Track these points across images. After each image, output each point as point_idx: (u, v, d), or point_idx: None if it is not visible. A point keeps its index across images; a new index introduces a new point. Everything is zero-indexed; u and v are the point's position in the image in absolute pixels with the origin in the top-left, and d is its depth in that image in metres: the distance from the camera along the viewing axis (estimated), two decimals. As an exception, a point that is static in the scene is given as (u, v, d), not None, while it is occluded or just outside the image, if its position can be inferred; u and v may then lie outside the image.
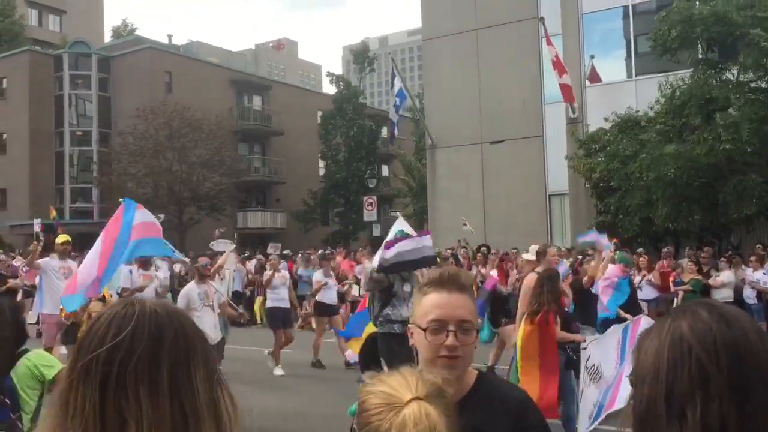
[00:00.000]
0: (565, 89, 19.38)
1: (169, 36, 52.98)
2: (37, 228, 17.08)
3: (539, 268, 7.21)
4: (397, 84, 22.48)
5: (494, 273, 11.51)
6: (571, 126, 20.65)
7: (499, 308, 10.21)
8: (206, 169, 32.97)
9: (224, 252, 11.17)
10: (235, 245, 12.74)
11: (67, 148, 36.96)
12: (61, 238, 10.42)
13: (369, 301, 7.55)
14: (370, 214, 27.85)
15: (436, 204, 24.26)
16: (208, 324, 7.82)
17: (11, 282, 14.14)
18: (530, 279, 6.96)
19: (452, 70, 23.49)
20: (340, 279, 16.98)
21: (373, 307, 7.36)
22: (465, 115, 22.83)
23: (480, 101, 22.67)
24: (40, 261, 9.83)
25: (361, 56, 42.05)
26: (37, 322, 10.31)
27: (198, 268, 8.75)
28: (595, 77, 21.25)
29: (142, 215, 7.01)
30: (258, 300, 17.42)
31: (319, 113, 41.20)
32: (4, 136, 36.66)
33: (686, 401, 1.15)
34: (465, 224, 18.31)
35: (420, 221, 33.36)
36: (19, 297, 13.79)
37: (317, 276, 12.69)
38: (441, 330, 1.83)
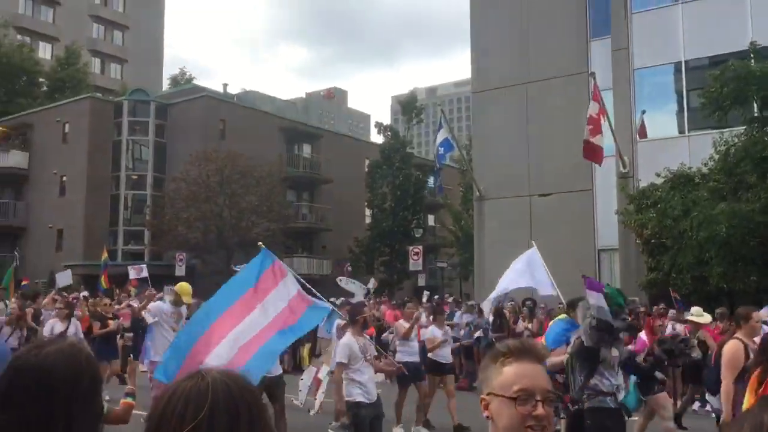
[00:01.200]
0: (591, 148, 18.74)
1: (224, 85, 54.64)
2: (133, 275, 16.61)
3: (739, 334, 6.43)
4: (442, 134, 22.57)
5: (643, 335, 10.01)
6: (621, 181, 20.44)
7: (649, 373, 8.77)
8: (255, 215, 33.51)
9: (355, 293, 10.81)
10: (370, 287, 12.14)
11: (123, 191, 38.13)
12: (182, 287, 9.78)
13: (566, 370, 6.30)
14: (415, 263, 27.85)
15: (482, 255, 24.12)
16: (370, 382, 7.08)
17: (112, 324, 13.51)
18: (733, 346, 6.17)
19: (501, 122, 23.62)
20: (385, 329, 16.90)
21: (572, 377, 6.15)
22: (513, 167, 22.84)
23: (529, 154, 22.68)
24: (151, 305, 9.50)
25: (409, 107, 42.60)
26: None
27: (360, 317, 7.55)
28: (643, 133, 21.09)
29: (288, 285, 5.74)
30: (306, 347, 17.39)
31: (367, 162, 41.71)
32: (64, 178, 37.98)
33: None
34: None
35: (466, 272, 33.21)
36: (119, 341, 13.66)
37: (431, 332, 11.09)
38: (529, 400, 1.83)
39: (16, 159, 39.82)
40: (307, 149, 42.84)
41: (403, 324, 11.04)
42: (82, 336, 10.99)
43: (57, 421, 1.32)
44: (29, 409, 1.31)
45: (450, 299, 23.11)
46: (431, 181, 43.44)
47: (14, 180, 40.30)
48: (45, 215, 37.93)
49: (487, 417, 1.91)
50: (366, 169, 41.33)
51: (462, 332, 16.57)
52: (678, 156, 18.71)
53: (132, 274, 15.17)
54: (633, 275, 18.86)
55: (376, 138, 46.20)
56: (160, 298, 10.36)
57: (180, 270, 30.26)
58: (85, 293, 20.84)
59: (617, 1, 21.54)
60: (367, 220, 41.20)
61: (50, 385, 1.34)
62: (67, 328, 10.62)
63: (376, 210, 39.67)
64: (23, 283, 17.85)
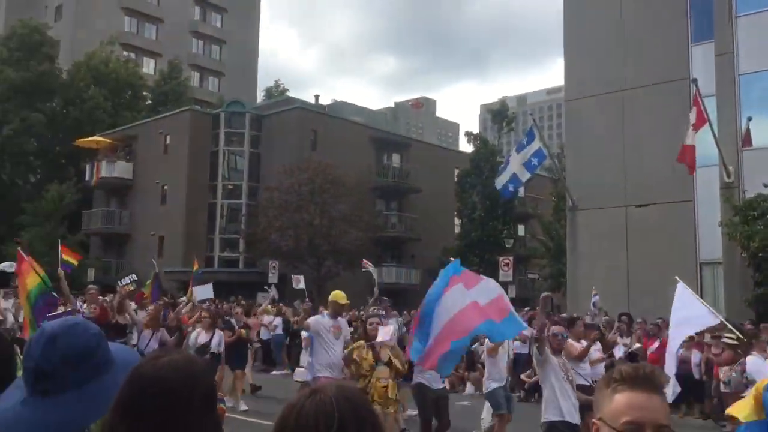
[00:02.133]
0: (686, 150, 17.91)
1: (316, 96, 55.80)
2: (301, 285, 16.41)
3: None
4: (536, 144, 22.11)
5: None
6: (725, 191, 19.48)
7: None
8: (345, 223, 33.97)
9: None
10: None
11: (219, 200, 39.52)
12: (338, 295, 9.26)
13: None
14: (506, 274, 27.43)
15: (575, 267, 23.52)
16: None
17: (241, 332, 13.48)
18: None
19: (596, 130, 23.00)
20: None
21: None
22: (609, 176, 22.17)
23: (625, 163, 21.97)
24: (310, 320, 9.05)
25: (499, 115, 42.19)
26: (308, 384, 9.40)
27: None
28: (749, 141, 20.04)
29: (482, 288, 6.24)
30: None
31: (456, 171, 41.54)
32: (165, 187, 39.74)
33: None
34: (595, 294, 17.51)
35: (557, 283, 32.45)
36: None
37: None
38: None
39: (121, 169, 42.00)
40: (396, 159, 43.11)
41: (573, 344, 8.72)
42: (222, 348, 11.18)
43: (215, 425, 1.37)
44: (146, 420, 1.35)
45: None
46: (522, 190, 42.82)
47: (120, 189, 42.55)
48: (148, 223, 39.80)
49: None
50: (455, 179, 41.17)
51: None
52: (788, 165, 17.68)
53: (199, 293, 14.96)
54: (738, 290, 17.92)
55: (466, 147, 46.03)
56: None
57: (273, 277, 31.01)
58: (184, 299, 21.63)
59: (720, 4, 20.60)
60: (456, 230, 41.00)
61: (165, 395, 1.38)
62: (212, 338, 10.69)
63: (465, 219, 39.43)
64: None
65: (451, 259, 6.58)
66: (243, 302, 21.00)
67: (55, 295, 10.08)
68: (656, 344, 14.28)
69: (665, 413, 1.76)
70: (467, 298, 6.07)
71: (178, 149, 39.48)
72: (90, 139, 40.77)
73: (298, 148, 36.60)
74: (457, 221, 41.26)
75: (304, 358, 11.24)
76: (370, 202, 37.68)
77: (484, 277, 6.50)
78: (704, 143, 19.31)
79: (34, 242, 35.91)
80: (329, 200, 33.67)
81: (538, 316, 6.68)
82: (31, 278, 8.92)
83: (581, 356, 8.57)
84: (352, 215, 34.19)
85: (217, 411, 1.51)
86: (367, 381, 7.27)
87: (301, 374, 11.39)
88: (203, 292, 13.89)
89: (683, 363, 13.10)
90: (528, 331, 7.95)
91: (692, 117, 18.00)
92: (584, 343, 8.93)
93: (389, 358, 7.50)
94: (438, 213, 40.77)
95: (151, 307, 11.91)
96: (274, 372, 17.91)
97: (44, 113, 44.07)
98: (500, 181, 21.90)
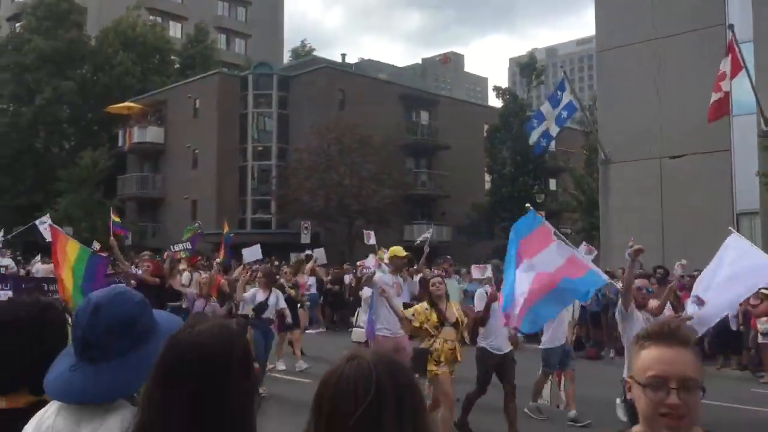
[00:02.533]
0: (717, 105, 17.28)
1: (343, 55, 55.33)
2: (372, 240, 14.14)
3: None
4: (566, 97, 21.71)
5: None
6: (763, 139, 19.00)
7: None
8: (375, 183, 33.98)
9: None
10: None
11: (250, 162, 39.75)
12: (397, 250, 9.25)
13: None
14: (537, 229, 27.28)
15: (608, 221, 23.30)
16: None
17: (291, 291, 13.52)
18: None
19: (629, 81, 22.50)
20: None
21: None
22: (642, 128, 21.76)
23: (659, 114, 21.51)
24: (375, 277, 9.02)
25: (528, 68, 41.44)
26: (366, 344, 9.42)
27: None
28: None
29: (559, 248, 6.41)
30: None
31: (485, 127, 41.11)
32: (197, 151, 40.08)
33: None
34: (631, 245, 17.29)
35: (589, 237, 32.20)
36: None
37: None
38: (662, 387, 1.75)
39: (153, 134, 42.41)
40: (424, 116, 42.77)
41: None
42: (284, 305, 11.02)
43: (209, 398, 1.39)
44: (183, 386, 1.39)
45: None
46: (553, 144, 42.20)
47: (153, 154, 43.05)
48: (180, 187, 40.28)
49: (630, 400, 1.87)
50: (484, 134, 40.76)
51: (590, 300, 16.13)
52: (829, 111, 17.16)
53: (247, 255, 14.56)
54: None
55: (495, 102, 45.42)
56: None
57: (305, 237, 31.31)
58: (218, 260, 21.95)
59: (759, -57, 19.83)
60: (487, 186, 40.76)
61: (202, 362, 1.41)
62: (268, 297, 10.57)
63: (495, 176, 39.15)
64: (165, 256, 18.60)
65: (528, 206, 6.72)
66: (286, 264, 21.38)
67: (104, 255, 10.22)
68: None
69: (693, 367, 1.78)
70: (557, 256, 6.23)
71: (207, 113, 39.66)
72: (121, 105, 41.11)
73: (326, 108, 36.50)
74: (487, 177, 40.97)
75: (363, 317, 11.04)
76: (400, 161, 37.56)
77: (555, 234, 6.55)
78: (741, 90, 18.80)
79: (70, 209, 36.67)
80: (358, 159, 33.65)
81: (627, 270, 6.57)
82: (71, 246, 8.77)
83: (658, 312, 8.33)
84: (382, 174, 34.17)
85: (253, 374, 1.54)
86: (433, 341, 7.15)
87: (358, 335, 11.18)
88: (251, 254, 13.78)
89: (719, 315, 12.99)
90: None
91: (724, 65, 17.43)
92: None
93: (456, 319, 7.33)
94: (468, 169, 40.52)
95: (205, 275, 11.70)
96: (309, 330, 18.20)
97: (74, 81, 44.45)
98: (533, 137, 21.63)
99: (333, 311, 21.54)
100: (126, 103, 41.57)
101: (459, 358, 7.33)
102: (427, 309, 7.30)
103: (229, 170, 38.95)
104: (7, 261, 19.60)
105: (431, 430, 1.39)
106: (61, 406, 1.78)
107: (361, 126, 33.20)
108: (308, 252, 20.15)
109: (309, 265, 17.12)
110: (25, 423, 1.81)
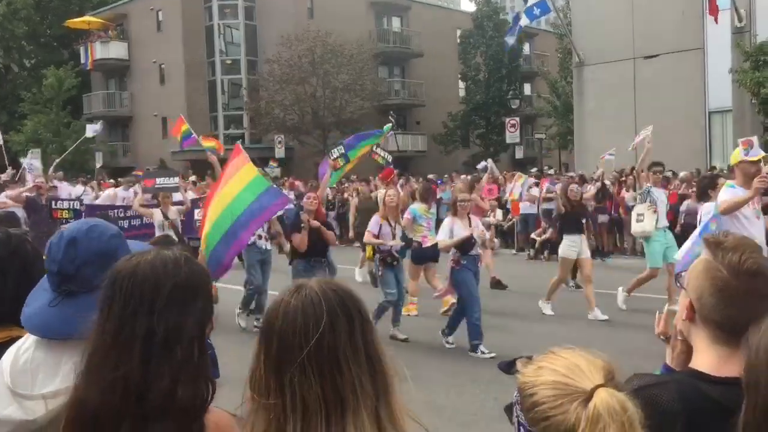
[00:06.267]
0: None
1: (309, -40, 53.15)
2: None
3: None
4: None
5: None
6: (736, 36, 18.91)
7: None
8: (349, 93, 33.49)
9: None
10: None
11: (219, 76, 38.77)
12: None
13: None
14: (512, 135, 27.34)
15: (583, 124, 23.36)
16: None
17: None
18: None
19: (602, -20, 22.04)
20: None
21: None
22: (616, 29, 21.49)
23: (633, 13, 21.21)
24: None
25: (502, -30, 40.32)
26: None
27: None
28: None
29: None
30: None
31: (459, 32, 40.28)
32: (163, 66, 38.91)
33: None
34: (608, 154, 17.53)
35: (565, 142, 32.33)
36: None
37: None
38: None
39: (117, 50, 40.96)
40: (396, 23, 41.74)
41: None
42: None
43: (144, 329, 1.34)
44: (122, 318, 1.36)
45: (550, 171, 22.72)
46: (527, 47, 41.59)
47: (117, 70, 41.73)
48: (148, 104, 39.36)
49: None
50: (458, 40, 40.01)
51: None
52: (803, 5, 17.03)
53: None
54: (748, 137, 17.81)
55: (468, 6, 44.40)
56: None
57: (279, 152, 31.06)
58: (193, 178, 21.82)
59: None
60: (461, 93, 40.37)
61: (134, 293, 1.37)
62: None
63: (469, 82, 38.74)
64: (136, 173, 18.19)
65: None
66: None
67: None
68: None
69: None
70: None
71: (172, 25, 38.28)
72: (80, 19, 39.44)
73: (295, 17, 35.38)
74: (461, 84, 40.52)
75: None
76: (373, 70, 36.88)
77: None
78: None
79: (38, 130, 35.81)
80: (330, 70, 33.02)
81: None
82: (246, 171, 5.47)
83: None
84: (355, 84, 33.65)
85: (207, 300, 1.46)
86: None
87: None
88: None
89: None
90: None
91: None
92: None
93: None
94: (442, 77, 39.99)
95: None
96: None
97: (29, -5, 42.43)
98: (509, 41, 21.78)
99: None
100: (85, 18, 39.95)
101: None
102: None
103: (198, 85, 38.02)
104: (79, 189, 17.75)
105: (382, 350, 1.36)
106: (39, 341, 1.75)
107: (332, 35, 32.38)
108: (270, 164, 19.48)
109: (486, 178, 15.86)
110: None
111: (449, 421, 5.60)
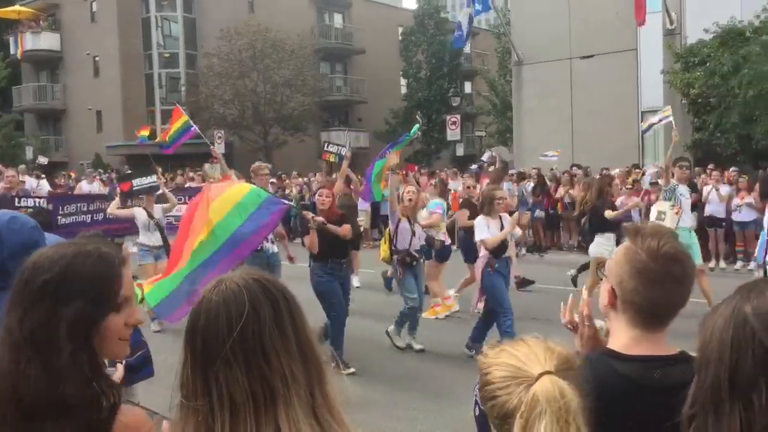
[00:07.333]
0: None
1: (249, -47, 52.47)
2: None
3: None
4: None
5: None
6: (668, 38, 19.56)
7: None
8: (290, 89, 33.21)
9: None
10: None
11: (156, 70, 37.85)
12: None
13: None
14: (453, 133, 27.59)
15: (521, 123, 23.77)
16: None
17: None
18: None
19: (541, -19, 22.46)
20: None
21: None
22: (553, 29, 21.94)
23: (569, 14, 21.70)
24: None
25: (443, -32, 40.66)
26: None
27: None
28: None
29: None
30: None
31: (400, 30, 40.43)
32: (97, 58, 37.74)
33: (751, 386, 1.12)
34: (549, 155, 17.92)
35: (504, 140, 32.83)
36: None
37: None
38: None
39: (48, 41, 39.50)
40: (338, 19, 41.62)
41: None
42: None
43: (53, 320, 1.31)
44: (29, 310, 1.33)
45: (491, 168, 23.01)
46: (469, 47, 41.98)
47: (49, 62, 40.26)
48: (82, 97, 38.10)
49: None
50: (399, 38, 40.16)
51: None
52: (729, 9, 17.71)
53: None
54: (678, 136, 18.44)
55: (409, 4, 44.60)
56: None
57: (219, 148, 30.52)
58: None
59: None
60: (403, 90, 40.54)
61: (15, 288, 1.35)
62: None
63: (411, 79, 38.92)
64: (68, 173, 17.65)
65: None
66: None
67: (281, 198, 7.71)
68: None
69: None
70: None
71: (106, 16, 37.16)
72: (10, 9, 37.91)
73: (235, 11, 34.87)
74: (403, 81, 40.69)
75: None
76: (314, 66, 36.66)
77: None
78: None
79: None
80: (272, 65, 32.67)
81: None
82: (234, 192, 5.17)
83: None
84: (296, 80, 33.39)
85: (92, 301, 1.39)
86: None
87: None
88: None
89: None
90: None
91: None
92: None
93: None
94: (384, 74, 40.06)
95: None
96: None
97: (-46, -18, 40.58)
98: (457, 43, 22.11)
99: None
100: (15, 7, 38.41)
101: None
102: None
103: (134, 78, 37.03)
104: (96, 185, 17.33)
105: (311, 333, 1.35)
106: None
107: (273, 30, 32.04)
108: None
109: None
110: None
111: None
